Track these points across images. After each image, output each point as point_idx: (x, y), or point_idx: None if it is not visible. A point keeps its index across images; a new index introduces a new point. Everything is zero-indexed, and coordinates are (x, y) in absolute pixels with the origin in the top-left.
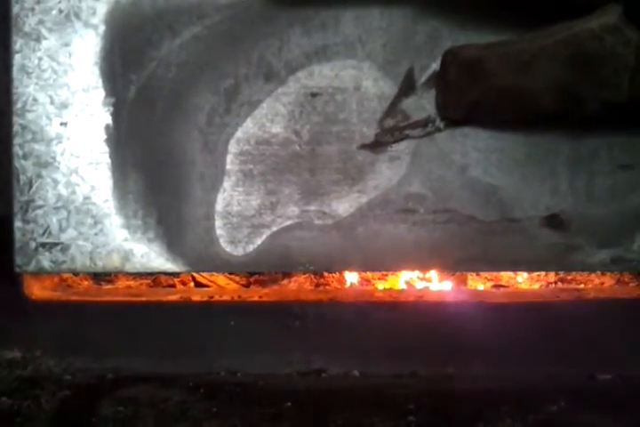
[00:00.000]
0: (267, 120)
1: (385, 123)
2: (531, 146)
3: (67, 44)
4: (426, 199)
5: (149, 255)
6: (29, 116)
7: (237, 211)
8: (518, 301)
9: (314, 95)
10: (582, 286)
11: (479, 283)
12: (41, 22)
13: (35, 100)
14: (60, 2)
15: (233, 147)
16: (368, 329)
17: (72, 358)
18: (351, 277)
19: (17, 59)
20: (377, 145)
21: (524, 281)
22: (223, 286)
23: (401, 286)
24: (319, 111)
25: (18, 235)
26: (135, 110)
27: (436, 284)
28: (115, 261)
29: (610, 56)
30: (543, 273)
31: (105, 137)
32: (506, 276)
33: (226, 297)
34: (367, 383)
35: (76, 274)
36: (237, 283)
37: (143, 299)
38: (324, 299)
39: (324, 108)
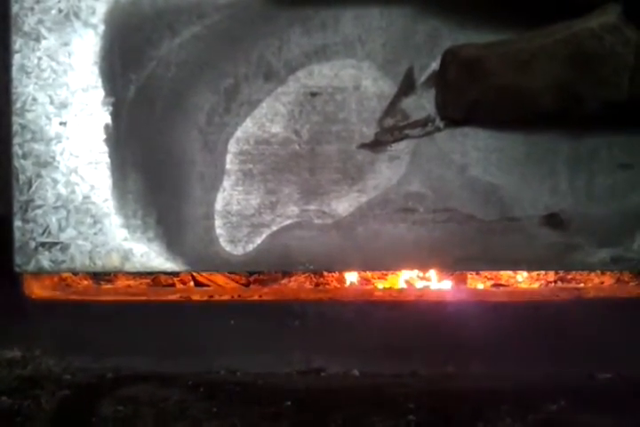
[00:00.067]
0: (266, 120)
1: (384, 122)
2: (530, 145)
3: (66, 44)
4: (425, 199)
5: (149, 255)
6: (29, 115)
7: (237, 210)
8: (518, 300)
9: (313, 95)
10: (582, 285)
11: (479, 282)
12: (40, 22)
13: (34, 99)
14: (59, 1)
15: (233, 146)
16: (368, 328)
17: (72, 358)
18: (351, 277)
19: (16, 58)
20: (377, 144)
21: (523, 280)
22: (223, 286)
23: (401, 285)
24: (319, 111)
25: (17, 234)
26: (135, 110)
27: (435, 283)
28: (114, 261)
29: (609, 55)
30: (543, 272)
31: (104, 137)
32: (505, 275)
33: (225, 296)
34: (367, 383)
35: (75, 273)
36: (237, 282)
37: (143, 298)
38: (324, 298)
39: (323, 108)
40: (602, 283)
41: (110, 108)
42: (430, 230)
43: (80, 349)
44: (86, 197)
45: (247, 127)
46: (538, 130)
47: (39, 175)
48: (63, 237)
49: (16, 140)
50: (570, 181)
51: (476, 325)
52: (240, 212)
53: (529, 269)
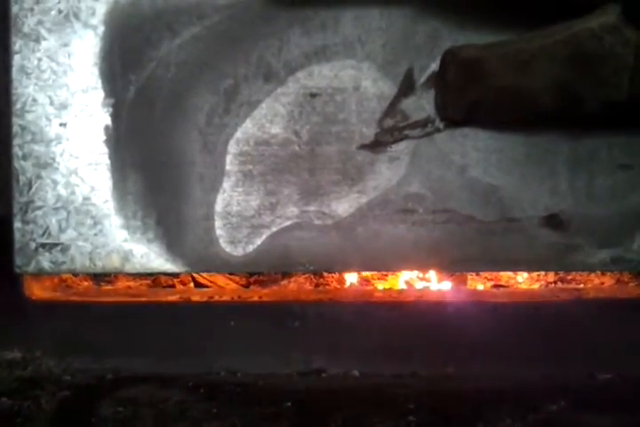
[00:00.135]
0: (266, 120)
1: (384, 123)
2: (530, 146)
3: (66, 45)
4: (425, 199)
5: (149, 256)
6: (29, 116)
7: (237, 211)
8: (518, 300)
9: (313, 95)
10: (582, 285)
11: (479, 283)
12: (40, 23)
13: (34, 100)
14: (59, 2)
15: (232, 147)
16: (368, 329)
17: (72, 359)
18: (351, 278)
19: (16, 59)
20: (376, 145)
21: (523, 281)
22: (223, 287)
23: (401, 286)
24: (318, 111)
25: (17, 236)
26: (134, 111)
27: (435, 284)
28: (114, 262)
29: (609, 56)
30: (543, 273)
31: (104, 138)
32: (505, 276)
33: (225, 297)
34: (367, 383)
35: (75, 274)
36: (237, 283)
37: (143, 299)
38: (324, 299)
39: (323, 109)
40: (602, 283)
41: (110, 109)
42: (430, 231)
43: (80, 350)
44: (86, 199)
45: (247, 128)
46: (538, 130)
47: (39, 176)
48: (63, 238)
49: (16, 141)
50: (570, 182)
51: (476, 325)
52: (240, 213)
53: (529, 269)
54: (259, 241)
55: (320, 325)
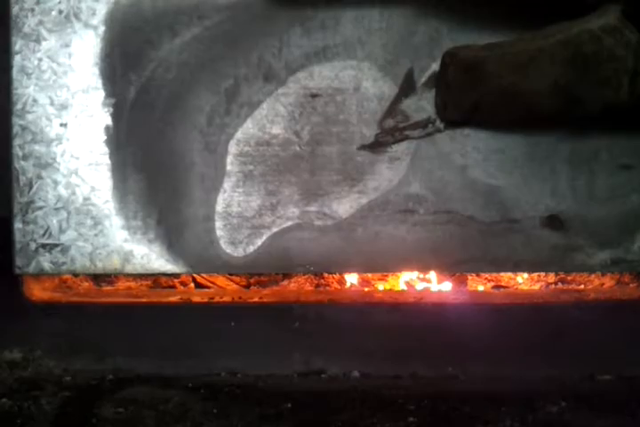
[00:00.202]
0: (267, 121)
1: (385, 123)
2: (531, 146)
3: (66, 45)
4: (426, 200)
5: (149, 256)
6: (29, 117)
7: (237, 212)
8: (518, 301)
9: (314, 96)
10: (582, 286)
11: (479, 284)
12: (41, 23)
13: (34, 101)
14: (59, 2)
15: (233, 147)
16: (368, 330)
17: (72, 359)
18: (351, 278)
19: (16, 60)
20: (377, 146)
21: (524, 282)
22: (223, 287)
23: (401, 286)
24: (319, 112)
25: (18, 236)
26: (135, 111)
27: (435, 285)
28: (115, 263)
29: (609, 57)
30: (543, 274)
31: (105, 138)
32: (506, 277)
33: (226, 298)
34: (367, 384)
35: (75, 275)
36: (237, 284)
37: (143, 300)
38: (324, 300)
39: (323, 109)
40: (602, 285)
41: (111, 109)
42: (430, 232)
43: (80, 350)
44: (87, 199)
45: (247, 128)
46: (538, 131)
47: (40, 177)
48: (63, 238)
49: (16, 141)
50: (570, 183)
51: (477, 326)
52: (240, 213)
53: (529, 270)
54: (259, 242)
55: (320, 326)
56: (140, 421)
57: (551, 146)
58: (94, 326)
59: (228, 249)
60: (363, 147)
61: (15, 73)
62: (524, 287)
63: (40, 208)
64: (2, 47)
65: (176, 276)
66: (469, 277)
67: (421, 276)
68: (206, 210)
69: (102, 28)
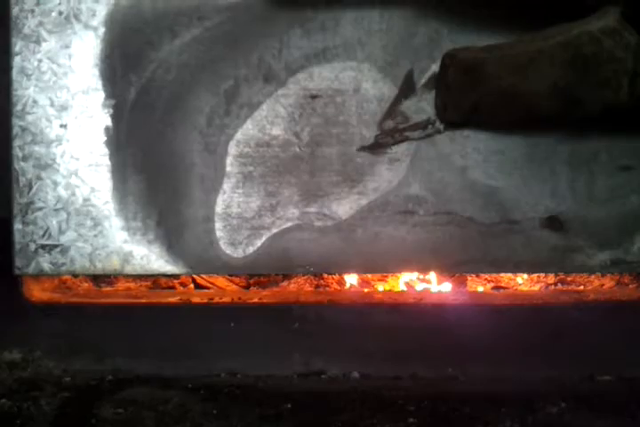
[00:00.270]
0: (266, 122)
1: (385, 125)
2: (530, 148)
3: (66, 46)
4: (426, 201)
5: (149, 257)
6: (29, 118)
7: (237, 213)
8: (518, 302)
9: (313, 97)
10: (582, 287)
11: (479, 284)
12: (41, 24)
13: (34, 102)
14: (59, 4)
15: (233, 148)
16: (368, 331)
17: (72, 360)
18: (351, 279)
19: (16, 61)
20: (377, 147)
21: (523, 283)
22: (223, 288)
23: (401, 287)
24: (319, 113)
25: (17, 237)
26: (135, 112)
27: (435, 285)
28: (114, 263)
29: (609, 59)
30: (543, 275)
31: (105, 139)
32: (506, 277)
33: (225, 299)
34: (367, 385)
35: (75, 276)
36: (237, 285)
37: (143, 301)
38: (324, 300)
39: (323, 110)
40: (602, 285)
41: (111, 110)
42: (430, 233)
43: (80, 351)
44: (86, 200)
45: (247, 129)
46: (538, 132)
47: (39, 177)
48: (63, 239)
49: (16, 142)
50: (570, 184)
51: (476, 327)
52: (240, 214)
53: (529, 271)
54: (259, 243)
55: (320, 326)
56: (140, 421)
57: (551, 147)
58: (94, 327)
59: (228, 250)
60: (362, 148)
61: (15, 74)
62: (524, 288)
63: (40, 209)
64: (2, 48)
65: (176, 277)
66: (469, 278)
67: (421, 277)
68: (206, 211)
69: (102, 30)
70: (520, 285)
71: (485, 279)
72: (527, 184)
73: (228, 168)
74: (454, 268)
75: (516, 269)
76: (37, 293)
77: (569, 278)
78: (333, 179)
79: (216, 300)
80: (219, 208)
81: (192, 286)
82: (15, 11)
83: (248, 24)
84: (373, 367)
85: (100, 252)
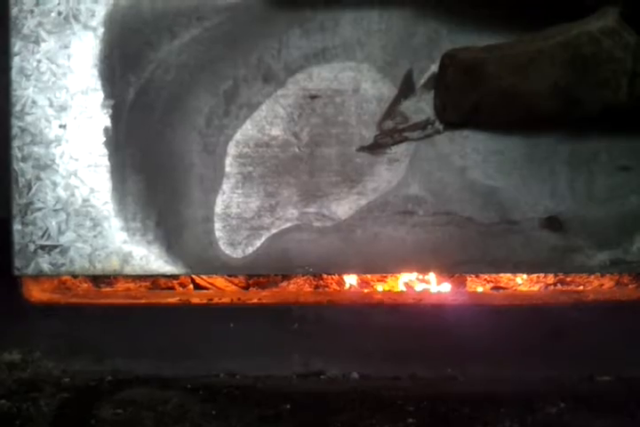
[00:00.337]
0: (266, 122)
1: (384, 125)
2: (530, 148)
3: (66, 47)
4: (425, 201)
5: (148, 258)
6: (28, 118)
7: (236, 213)
8: (517, 303)
9: (313, 97)
10: (581, 287)
11: (478, 285)
12: (40, 24)
13: (34, 102)
14: (58, 4)
15: (232, 149)
16: (367, 331)
17: (71, 361)
18: (350, 279)
19: (15, 61)
20: (376, 147)
21: (523, 283)
22: (222, 289)
23: (400, 288)
24: (318, 113)
25: (17, 237)
26: (134, 112)
27: (435, 286)
28: (114, 264)
29: (608, 59)
30: (542, 275)
31: (104, 139)
32: (505, 278)
33: (225, 299)
34: (366, 385)
35: (75, 276)
36: (236, 285)
37: (142, 301)
38: (323, 301)
39: (323, 111)
40: (601, 285)
41: (110, 110)
42: (430, 233)
43: (79, 352)
44: (86, 200)
45: (246, 130)
46: (537, 133)
47: (39, 178)
48: (63, 240)
49: (15, 142)
50: (569, 184)
51: (476, 327)
52: (239, 215)
53: (528, 271)
54: (258, 243)
55: (319, 327)
56: (139, 422)
57: (550, 147)
58: (93, 328)
59: (227, 250)
60: (362, 148)
61: (14, 74)
62: (524, 288)
63: (39, 210)
64: (1, 49)
65: (175, 277)
66: (468, 279)
67: (420, 277)
68: (205, 211)
69: (101, 30)
70: (519, 285)
71: (485, 280)
72: (526, 184)
73: (228, 168)
74: (454, 268)
75: (516, 269)
76: (37, 293)
77: (568, 279)
78: (333, 179)
79: (215, 300)
80: (218, 209)
81: (191, 286)
82: (14, 11)
83: (247, 24)
84: (373, 368)
85: (100, 252)
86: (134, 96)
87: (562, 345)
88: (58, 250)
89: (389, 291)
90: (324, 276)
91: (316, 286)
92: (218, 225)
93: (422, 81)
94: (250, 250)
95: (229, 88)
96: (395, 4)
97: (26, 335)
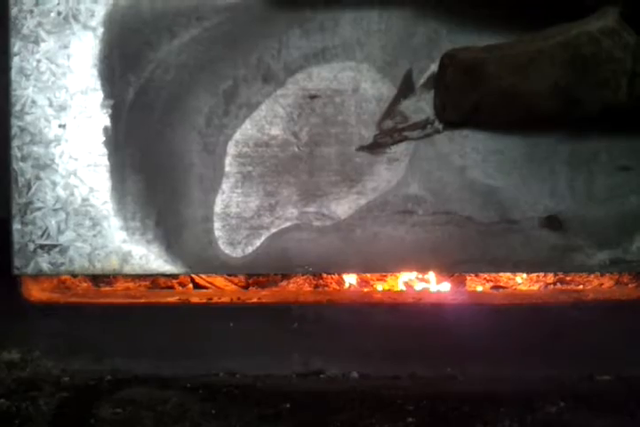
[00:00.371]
0: (265, 122)
1: (383, 125)
2: (530, 147)
3: (65, 47)
4: (425, 201)
5: (148, 257)
6: (28, 118)
7: (236, 212)
8: (517, 302)
9: (312, 97)
10: (581, 287)
11: (478, 284)
12: (39, 25)
13: (33, 102)
14: (58, 4)
15: (232, 149)
16: (367, 330)
17: (70, 360)
18: (350, 279)
19: (15, 61)
20: (375, 147)
21: (522, 282)
22: (222, 288)
23: (400, 287)
24: (318, 113)
25: (16, 237)
26: (134, 112)
27: (434, 285)
28: (113, 263)
29: (608, 59)
30: (542, 274)
31: (103, 139)
32: (505, 277)
33: (224, 299)
34: (366, 385)
35: (74, 276)
36: (236, 284)
37: (142, 301)
38: (323, 300)
39: (322, 110)
40: (601, 285)
41: (109, 110)
42: (429, 232)
43: (79, 351)
44: (85, 200)
45: (246, 129)
46: (537, 132)
47: (38, 178)
48: (62, 239)
49: (15, 142)
50: (569, 184)
51: (475, 327)
52: (239, 214)
53: (528, 271)
54: (258, 242)
55: (319, 326)
56: (139, 421)
57: (550, 147)
58: (93, 327)
59: (227, 250)
60: (361, 148)
61: (14, 74)
62: (523, 288)
63: (39, 209)
64: (0, 49)
65: (174, 276)
66: (468, 278)
67: (420, 276)
68: (205, 211)
69: (101, 30)
70: (519, 284)
71: (484, 279)
72: (526, 184)
73: (227, 168)
74: (453, 267)
75: (515, 268)
76: (36, 293)
77: (568, 278)
78: (332, 179)
79: (215, 300)
80: (217, 208)
81: (191, 285)
82: (14, 11)
83: (247, 24)
84: (372, 367)
85: (99, 252)
86: (134, 96)
87: (562, 344)
88: (57, 249)
89: (389, 290)
90: (324, 275)
91: (316, 286)
92: (217, 224)
93: (422, 81)
94: (249, 249)
95: (229, 88)
96: (395, 3)
97: (25, 335)
